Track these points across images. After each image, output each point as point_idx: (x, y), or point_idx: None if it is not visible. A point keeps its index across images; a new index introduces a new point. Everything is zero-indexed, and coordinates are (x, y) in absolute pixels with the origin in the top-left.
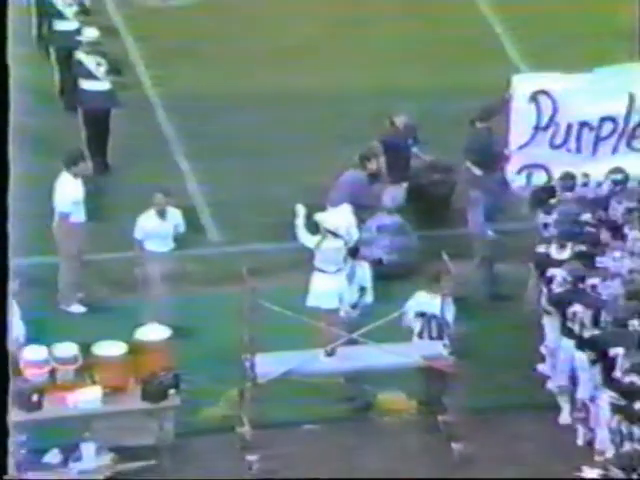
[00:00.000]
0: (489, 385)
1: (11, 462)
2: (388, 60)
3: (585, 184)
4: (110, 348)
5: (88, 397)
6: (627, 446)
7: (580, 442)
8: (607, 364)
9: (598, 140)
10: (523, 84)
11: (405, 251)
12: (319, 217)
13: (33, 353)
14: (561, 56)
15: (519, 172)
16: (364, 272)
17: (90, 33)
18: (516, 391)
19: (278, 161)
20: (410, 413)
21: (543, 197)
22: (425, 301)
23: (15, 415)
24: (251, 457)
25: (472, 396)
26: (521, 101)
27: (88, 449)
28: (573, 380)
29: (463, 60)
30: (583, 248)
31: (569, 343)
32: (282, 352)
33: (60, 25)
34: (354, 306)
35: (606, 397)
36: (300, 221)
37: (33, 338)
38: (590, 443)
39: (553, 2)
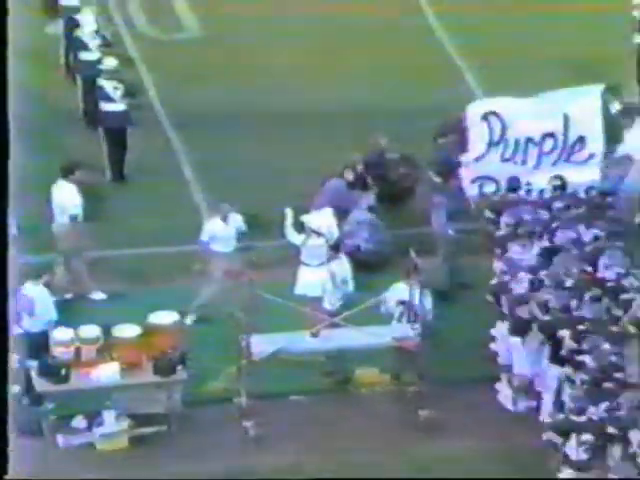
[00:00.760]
0: (451, 361)
1: (42, 427)
2: (364, 83)
3: (528, 191)
4: (127, 330)
5: (108, 372)
6: (568, 414)
7: (519, 409)
8: (555, 344)
9: (541, 154)
10: (477, 107)
11: (380, 243)
12: (304, 218)
13: (62, 334)
14: (512, 82)
15: (472, 182)
16: (345, 267)
17: (110, 62)
18: (473, 366)
19: (270, 169)
20: (383, 386)
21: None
22: (404, 291)
23: (46, 386)
24: (247, 423)
25: (436, 370)
26: (475, 121)
27: (109, 416)
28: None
29: (428, 84)
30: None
31: (504, 327)
32: (274, 334)
33: (85, 56)
34: (338, 299)
35: (554, 372)
36: (288, 222)
37: (62, 322)
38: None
39: (506, 35)
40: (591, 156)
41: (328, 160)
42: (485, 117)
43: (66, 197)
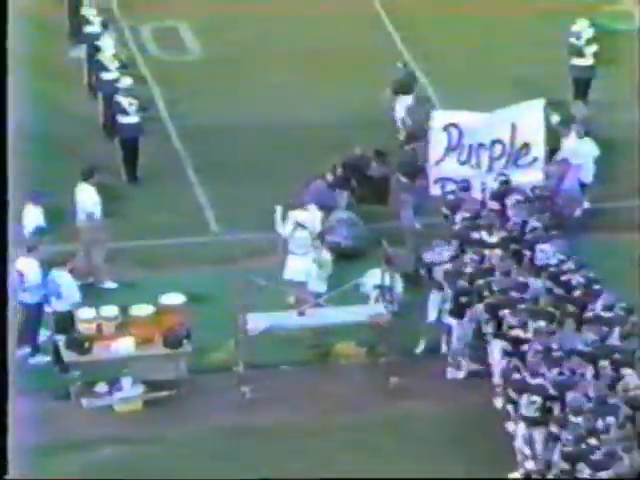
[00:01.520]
0: (417, 335)
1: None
2: (345, 98)
3: (483, 189)
4: (141, 309)
5: (125, 345)
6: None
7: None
8: (497, 322)
9: (492, 159)
10: (439, 118)
11: (357, 239)
12: (292, 214)
13: (85, 313)
14: (469, 98)
15: (435, 182)
16: (327, 258)
17: (126, 81)
18: (434, 339)
19: (263, 172)
20: (359, 357)
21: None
22: (378, 276)
23: (72, 357)
24: (244, 388)
25: (405, 343)
26: (437, 130)
27: (126, 382)
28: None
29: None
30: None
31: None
32: (266, 312)
33: (105, 76)
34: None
35: (498, 345)
36: (278, 217)
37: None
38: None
39: (465, 58)
40: (535, 160)
41: (313, 165)
42: (446, 128)
43: (86, 197)
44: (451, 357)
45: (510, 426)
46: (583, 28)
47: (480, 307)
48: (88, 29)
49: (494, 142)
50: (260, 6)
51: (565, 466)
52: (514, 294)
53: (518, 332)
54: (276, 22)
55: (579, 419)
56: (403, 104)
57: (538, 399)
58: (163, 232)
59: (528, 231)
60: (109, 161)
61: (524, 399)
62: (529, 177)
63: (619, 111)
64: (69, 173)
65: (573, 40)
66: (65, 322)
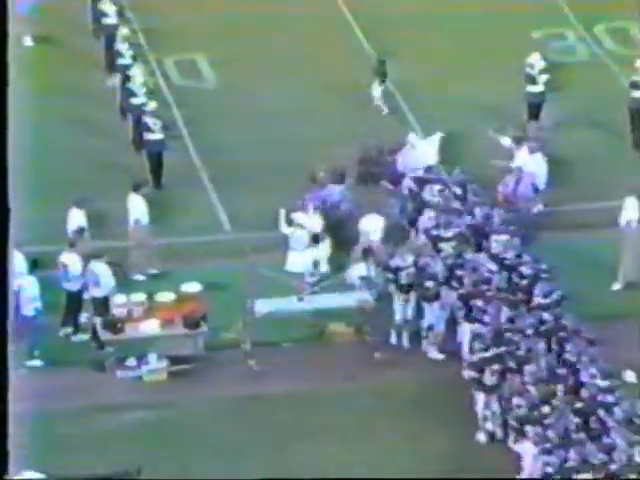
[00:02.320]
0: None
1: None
2: (329, 119)
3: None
4: (165, 296)
5: (152, 326)
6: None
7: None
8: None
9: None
10: (412, 138)
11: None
12: (294, 216)
13: (119, 299)
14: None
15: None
16: (322, 252)
17: (152, 105)
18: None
19: (269, 181)
20: (348, 336)
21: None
22: (363, 268)
23: (107, 336)
24: (251, 362)
25: (386, 324)
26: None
27: (152, 357)
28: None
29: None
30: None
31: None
32: (271, 298)
33: (134, 101)
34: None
35: (466, 327)
36: (281, 218)
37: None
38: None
39: (433, 83)
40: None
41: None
42: (413, 145)
43: (135, 205)
44: (432, 337)
45: (476, 395)
46: (536, 60)
47: (453, 296)
48: (121, 61)
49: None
50: (266, 43)
51: (516, 426)
52: (483, 287)
53: (485, 317)
54: (281, 55)
55: (533, 388)
56: (378, 88)
57: (497, 369)
58: (183, 231)
59: (484, 220)
60: (138, 171)
61: (487, 370)
62: None
63: (568, 130)
64: (104, 182)
65: (528, 70)
66: (101, 306)
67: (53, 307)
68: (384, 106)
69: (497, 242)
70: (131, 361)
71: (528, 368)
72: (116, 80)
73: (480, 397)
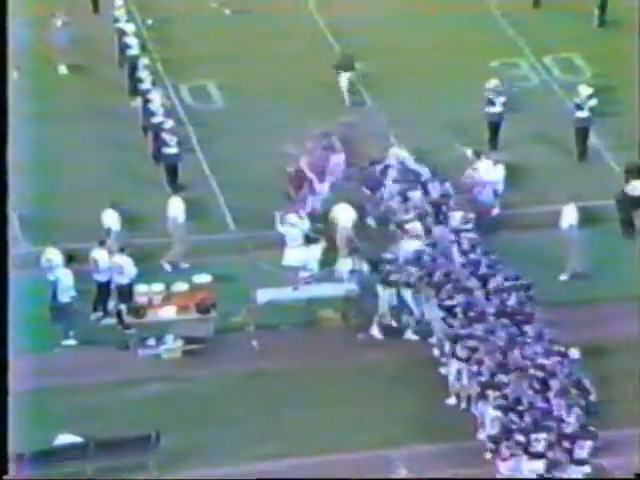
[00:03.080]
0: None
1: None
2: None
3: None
4: (180, 286)
5: (169, 312)
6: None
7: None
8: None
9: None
10: (393, 152)
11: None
12: (287, 217)
13: (141, 288)
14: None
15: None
16: (316, 252)
17: (169, 123)
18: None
19: (267, 188)
20: (336, 321)
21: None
22: (350, 263)
23: (131, 319)
24: (254, 343)
25: (369, 310)
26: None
27: (169, 338)
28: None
29: None
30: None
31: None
32: (270, 289)
33: (153, 119)
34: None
35: (436, 313)
36: (278, 219)
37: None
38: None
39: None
40: None
41: None
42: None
43: (175, 206)
44: (378, 317)
45: (443, 369)
46: (495, 85)
47: (424, 284)
48: (142, 86)
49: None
50: (263, 70)
51: (478, 390)
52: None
53: (451, 302)
54: (275, 79)
55: (492, 360)
56: (344, 79)
57: (468, 344)
58: (195, 231)
59: (441, 196)
60: (157, 180)
61: (458, 345)
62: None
63: (522, 145)
64: (128, 188)
65: (488, 94)
66: (126, 295)
67: (85, 295)
68: (348, 97)
69: (454, 218)
70: (151, 341)
71: (489, 345)
72: (138, 102)
73: (453, 367)
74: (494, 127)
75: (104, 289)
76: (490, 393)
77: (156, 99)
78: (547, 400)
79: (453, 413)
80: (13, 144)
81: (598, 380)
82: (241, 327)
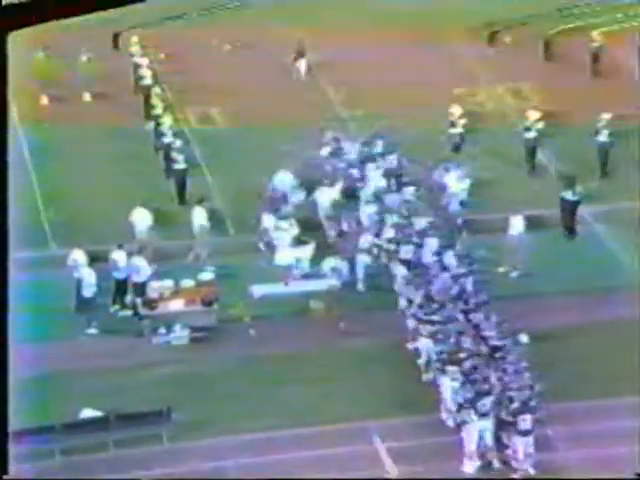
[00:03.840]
0: (357, 297)
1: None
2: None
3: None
4: (187, 282)
5: (178, 305)
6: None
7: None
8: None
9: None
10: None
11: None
12: (278, 223)
13: (154, 284)
14: None
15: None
16: (306, 253)
17: (177, 143)
18: (372, 298)
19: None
20: (322, 312)
21: None
22: (333, 261)
23: (145, 311)
24: (251, 330)
25: (350, 300)
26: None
27: (178, 327)
28: None
29: None
30: None
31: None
32: (264, 284)
33: (164, 140)
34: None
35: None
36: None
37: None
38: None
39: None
40: None
41: None
42: None
43: (198, 215)
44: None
45: (410, 344)
46: (457, 110)
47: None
48: (154, 112)
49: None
50: (262, 96)
51: (439, 367)
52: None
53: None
54: (272, 106)
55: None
56: (302, 68)
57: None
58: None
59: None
60: (167, 192)
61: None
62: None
63: (481, 161)
64: (144, 197)
65: (451, 117)
66: (141, 290)
67: (105, 290)
68: (304, 76)
69: (408, 193)
70: (162, 330)
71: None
72: (151, 125)
73: (423, 345)
74: (455, 145)
75: (122, 285)
76: (449, 368)
77: (166, 122)
78: (499, 378)
79: (425, 388)
80: (47, 161)
81: (542, 361)
82: (239, 318)
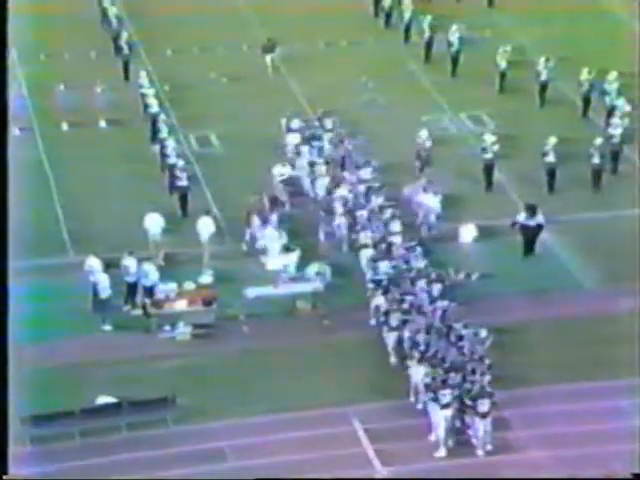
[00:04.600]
0: (340, 296)
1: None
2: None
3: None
4: (189, 285)
5: (181, 306)
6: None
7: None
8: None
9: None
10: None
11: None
12: (268, 232)
13: (161, 287)
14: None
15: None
16: (293, 259)
17: (180, 163)
18: (357, 296)
19: None
20: (307, 311)
21: None
22: (318, 267)
23: (153, 311)
24: (245, 327)
25: (333, 300)
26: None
27: (182, 324)
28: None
29: None
30: None
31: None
32: (257, 286)
33: (169, 160)
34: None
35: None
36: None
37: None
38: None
39: None
40: None
41: None
42: None
43: (208, 224)
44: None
45: (384, 332)
46: (425, 134)
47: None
48: (160, 135)
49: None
50: (254, 122)
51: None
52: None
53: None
54: (263, 131)
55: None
56: (269, 59)
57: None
58: (201, 244)
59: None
60: (171, 206)
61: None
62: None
63: (446, 178)
64: (150, 211)
65: (418, 140)
66: (149, 292)
67: (118, 293)
68: (271, 70)
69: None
70: (167, 327)
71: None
72: (157, 147)
73: (390, 337)
74: (423, 165)
75: (133, 288)
76: (416, 354)
77: (170, 145)
78: (462, 366)
79: (399, 376)
80: (67, 179)
81: (500, 352)
82: (235, 316)
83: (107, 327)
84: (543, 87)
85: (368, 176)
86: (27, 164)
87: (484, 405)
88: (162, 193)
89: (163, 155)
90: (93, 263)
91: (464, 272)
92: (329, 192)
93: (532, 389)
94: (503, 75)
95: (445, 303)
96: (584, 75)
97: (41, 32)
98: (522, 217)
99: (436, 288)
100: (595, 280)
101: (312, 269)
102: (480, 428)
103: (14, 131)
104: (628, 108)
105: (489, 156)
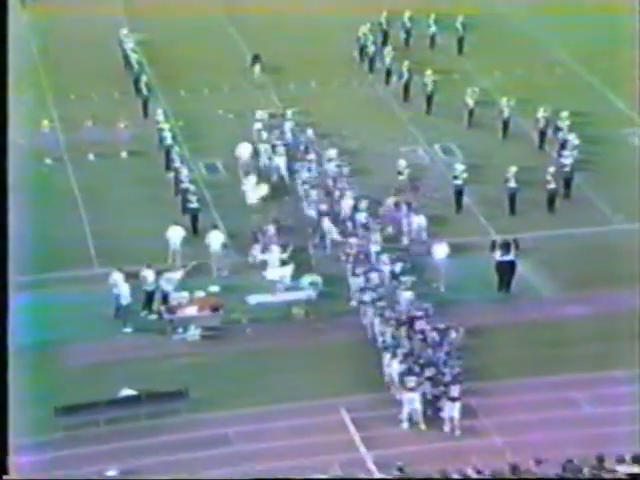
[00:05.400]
0: (331, 303)
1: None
2: None
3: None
4: (198, 293)
5: (192, 311)
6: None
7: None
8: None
9: None
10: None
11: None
12: (270, 247)
13: (174, 295)
14: None
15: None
16: (288, 271)
17: (192, 188)
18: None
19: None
20: (301, 315)
21: None
22: (310, 277)
23: (167, 316)
24: (248, 330)
25: (324, 307)
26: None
27: (192, 327)
28: None
29: None
30: None
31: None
32: (258, 294)
33: (182, 185)
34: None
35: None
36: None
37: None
38: None
39: None
40: None
41: None
42: None
43: (218, 237)
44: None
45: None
46: (403, 162)
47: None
48: (174, 164)
49: None
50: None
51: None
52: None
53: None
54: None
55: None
56: (257, 69)
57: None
58: (209, 256)
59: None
60: (184, 225)
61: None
62: None
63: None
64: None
65: (398, 168)
66: (165, 298)
67: (138, 300)
68: (259, 77)
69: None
70: (180, 330)
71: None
72: (171, 174)
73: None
74: (402, 189)
75: (150, 296)
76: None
77: (183, 172)
78: (435, 361)
79: (381, 372)
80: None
81: (469, 350)
82: (239, 320)
83: (128, 330)
84: (505, 123)
85: (334, 156)
86: (59, 190)
87: (455, 391)
88: (176, 214)
89: (177, 181)
90: (116, 277)
91: (435, 283)
92: (320, 213)
93: (496, 383)
94: (471, 112)
95: (424, 306)
96: (540, 113)
97: (72, 75)
98: (497, 255)
99: (398, 266)
100: (551, 289)
101: (306, 279)
102: (451, 411)
103: (45, 161)
104: (577, 142)
105: (459, 182)
